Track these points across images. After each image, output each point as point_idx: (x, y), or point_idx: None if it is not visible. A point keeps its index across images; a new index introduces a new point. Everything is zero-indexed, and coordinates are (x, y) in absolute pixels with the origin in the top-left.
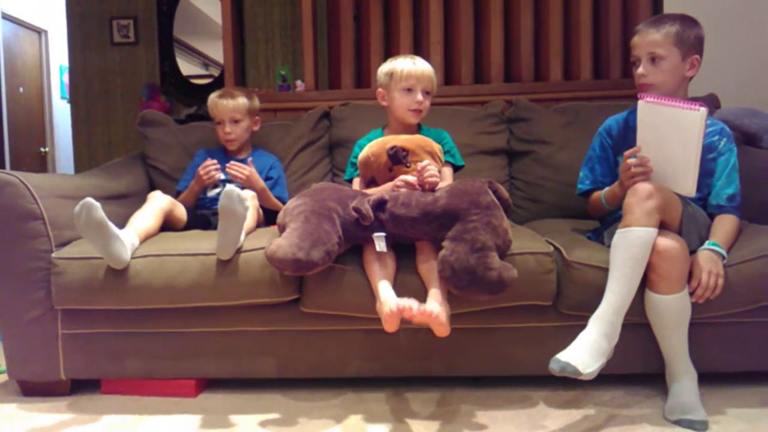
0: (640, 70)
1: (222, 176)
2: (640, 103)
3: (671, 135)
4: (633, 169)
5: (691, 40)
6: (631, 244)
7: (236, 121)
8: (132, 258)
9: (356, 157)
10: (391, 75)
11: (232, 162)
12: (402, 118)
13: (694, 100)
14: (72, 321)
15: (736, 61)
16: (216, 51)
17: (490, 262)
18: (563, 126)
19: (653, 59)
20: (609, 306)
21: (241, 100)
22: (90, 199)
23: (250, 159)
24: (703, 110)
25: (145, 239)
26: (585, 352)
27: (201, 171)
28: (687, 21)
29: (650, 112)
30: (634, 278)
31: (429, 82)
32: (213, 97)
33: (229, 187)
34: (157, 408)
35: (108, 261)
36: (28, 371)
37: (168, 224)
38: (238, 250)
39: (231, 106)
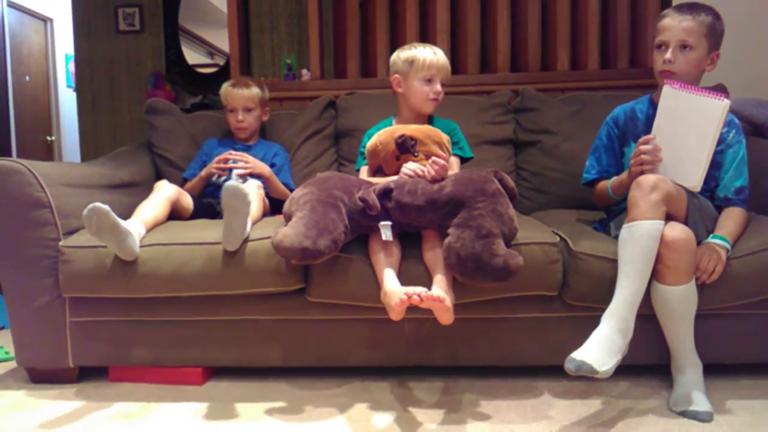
0: (668, 55)
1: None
2: (665, 87)
3: (689, 124)
4: (643, 156)
5: (718, 35)
6: (639, 238)
7: (249, 110)
8: (139, 247)
9: (365, 147)
10: (411, 63)
11: (233, 153)
12: (418, 106)
13: (712, 90)
14: (80, 309)
15: (742, 52)
16: (221, 40)
17: (495, 249)
18: (570, 116)
19: (683, 47)
20: (621, 301)
21: (255, 90)
22: (99, 205)
23: (242, 153)
24: (727, 102)
25: (152, 229)
26: (600, 349)
27: (215, 162)
28: (717, 14)
29: (673, 98)
30: (645, 272)
31: (447, 73)
32: (227, 86)
33: (229, 182)
34: (163, 396)
35: (119, 255)
36: (36, 358)
37: (174, 213)
38: (245, 240)
39: (246, 95)
